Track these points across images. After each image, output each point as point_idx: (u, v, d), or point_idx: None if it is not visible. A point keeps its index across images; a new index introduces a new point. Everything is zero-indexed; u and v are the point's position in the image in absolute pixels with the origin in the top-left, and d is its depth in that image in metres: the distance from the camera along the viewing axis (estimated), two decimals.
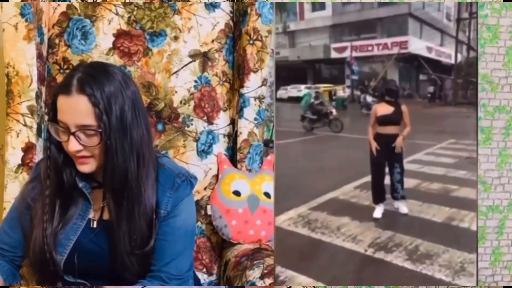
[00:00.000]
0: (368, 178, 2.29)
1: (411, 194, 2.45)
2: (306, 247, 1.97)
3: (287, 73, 5.31)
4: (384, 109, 2.16)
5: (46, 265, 1.19)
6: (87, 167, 1.16)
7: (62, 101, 1.11)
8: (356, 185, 2.65)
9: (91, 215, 1.23)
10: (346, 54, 5.32)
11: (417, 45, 5.32)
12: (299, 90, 5.22)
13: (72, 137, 1.11)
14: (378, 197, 2.20)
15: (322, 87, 5.00)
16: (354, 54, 5.31)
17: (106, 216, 1.23)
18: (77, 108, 1.10)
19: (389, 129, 2.15)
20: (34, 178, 1.27)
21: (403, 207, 2.26)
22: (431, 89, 5.51)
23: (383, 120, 2.14)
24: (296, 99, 4.88)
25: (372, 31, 5.33)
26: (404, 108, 2.19)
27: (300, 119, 4.35)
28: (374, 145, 2.16)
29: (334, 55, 5.43)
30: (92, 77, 1.11)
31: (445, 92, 5.28)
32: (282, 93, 5.16)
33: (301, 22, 5.48)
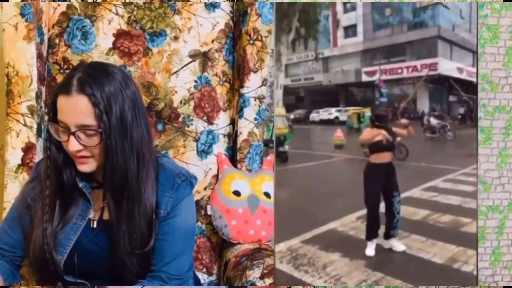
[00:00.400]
0: None
1: (417, 227, 2.24)
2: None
3: (321, 97, 5.55)
4: (374, 133, 1.97)
5: (46, 265, 1.19)
6: (87, 166, 1.16)
7: (62, 101, 1.11)
8: (359, 215, 2.37)
9: (91, 215, 1.23)
10: (377, 77, 5.44)
11: (447, 66, 5.37)
12: (330, 113, 5.40)
13: (72, 137, 1.11)
14: (373, 232, 1.99)
15: (351, 109, 5.07)
16: (384, 77, 5.43)
17: (106, 216, 1.22)
18: (77, 108, 1.10)
19: (384, 156, 1.96)
20: (34, 178, 1.27)
21: (398, 245, 2.03)
22: (461, 110, 5.51)
23: (377, 147, 1.95)
24: (327, 122, 5.04)
25: (401, 54, 5.49)
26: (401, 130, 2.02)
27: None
28: (382, 132, 1.94)
29: (365, 78, 5.59)
30: (92, 77, 1.11)
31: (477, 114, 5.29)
32: (315, 116, 5.36)
33: (335, 49, 5.67)
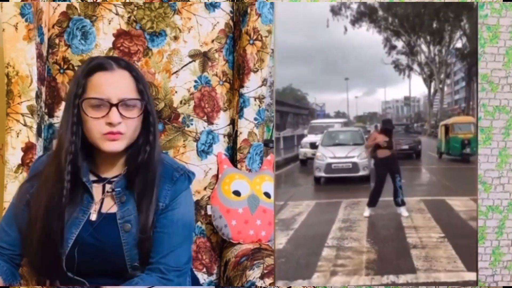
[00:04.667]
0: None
1: None
2: None
3: None
4: (380, 137, 2.71)
5: (48, 260, 1.20)
6: (118, 144, 1.19)
7: (102, 77, 1.18)
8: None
9: (91, 209, 1.24)
10: None
11: None
12: None
13: (114, 109, 1.16)
14: (373, 202, 2.61)
15: None
16: None
17: (104, 209, 1.24)
18: (120, 82, 1.18)
19: (383, 152, 2.67)
20: (32, 177, 1.28)
21: (404, 211, 2.61)
22: None
23: (380, 147, 2.67)
24: None
25: None
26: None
27: None
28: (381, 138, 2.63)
29: None
30: (123, 60, 1.24)
31: None
32: None
33: None
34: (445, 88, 4.10)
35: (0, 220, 1.30)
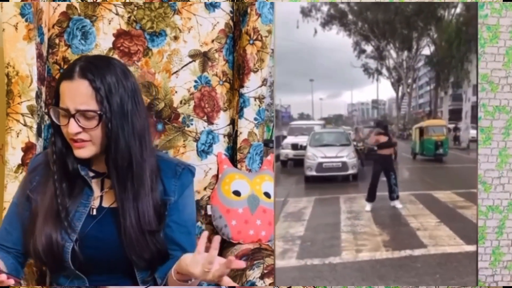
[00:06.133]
0: None
1: None
2: None
3: None
4: (382, 138, 2.96)
5: (53, 250, 1.20)
6: (84, 151, 1.19)
7: (65, 86, 1.16)
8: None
9: (91, 203, 1.26)
10: None
11: None
12: None
13: (72, 119, 1.15)
14: (371, 197, 2.83)
15: None
16: None
17: (105, 203, 1.25)
18: (78, 92, 1.15)
19: (386, 151, 2.92)
20: (32, 170, 1.30)
21: (398, 203, 2.86)
22: None
23: (382, 145, 2.91)
24: None
25: None
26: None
27: None
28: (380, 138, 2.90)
29: None
30: (94, 65, 1.17)
31: None
32: None
33: None
34: (413, 93, 4.18)
35: (2, 220, 1.31)
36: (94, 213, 1.25)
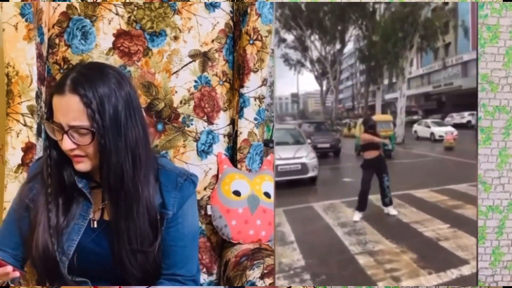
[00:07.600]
0: None
1: None
2: None
3: (462, 100, 5.59)
4: (377, 138, 2.70)
5: (49, 263, 1.19)
6: (82, 165, 1.17)
7: (56, 101, 1.13)
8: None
9: (91, 216, 1.24)
10: None
11: None
12: (463, 117, 5.41)
13: (65, 136, 1.12)
14: (361, 206, 2.54)
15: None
16: None
17: (106, 216, 1.23)
18: (69, 108, 1.11)
19: (372, 153, 2.63)
20: (31, 178, 1.28)
21: (392, 210, 2.60)
22: None
23: (367, 147, 2.64)
24: (460, 126, 5.15)
25: None
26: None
27: None
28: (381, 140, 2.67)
29: None
30: (86, 77, 1.13)
31: None
32: (449, 120, 5.35)
33: (474, 52, 5.65)
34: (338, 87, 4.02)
35: (1, 225, 1.30)
36: (95, 225, 1.23)
